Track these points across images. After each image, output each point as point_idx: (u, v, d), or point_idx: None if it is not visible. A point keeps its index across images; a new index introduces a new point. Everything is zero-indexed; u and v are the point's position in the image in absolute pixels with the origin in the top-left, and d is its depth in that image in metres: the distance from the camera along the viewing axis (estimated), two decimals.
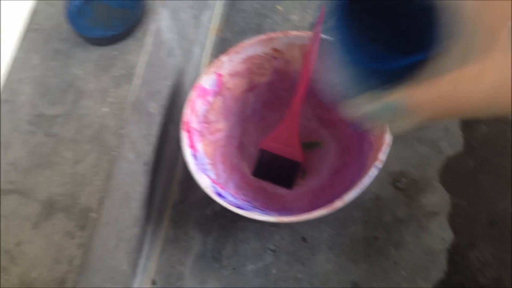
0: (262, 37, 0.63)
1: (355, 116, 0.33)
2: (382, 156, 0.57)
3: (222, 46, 0.77)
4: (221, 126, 0.68)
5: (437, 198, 0.65)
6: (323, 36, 0.63)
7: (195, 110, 0.64)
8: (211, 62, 0.76)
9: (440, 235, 0.64)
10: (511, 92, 0.26)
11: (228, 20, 0.78)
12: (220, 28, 0.78)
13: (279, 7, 0.78)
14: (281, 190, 0.68)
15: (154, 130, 0.64)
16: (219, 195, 0.62)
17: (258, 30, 0.77)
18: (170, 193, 0.72)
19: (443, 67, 0.29)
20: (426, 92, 0.29)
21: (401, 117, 0.31)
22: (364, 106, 0.32)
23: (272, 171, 0.68)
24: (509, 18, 0.26)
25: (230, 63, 0.64)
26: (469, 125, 0.69)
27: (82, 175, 0.55)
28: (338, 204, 0.56)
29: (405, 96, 0.30)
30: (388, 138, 0.58)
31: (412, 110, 0.30)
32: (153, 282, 0.68)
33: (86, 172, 0.55)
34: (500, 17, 0.27)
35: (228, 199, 0.63)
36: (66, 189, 0.55)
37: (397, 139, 0.69)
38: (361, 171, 0.61)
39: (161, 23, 0.60)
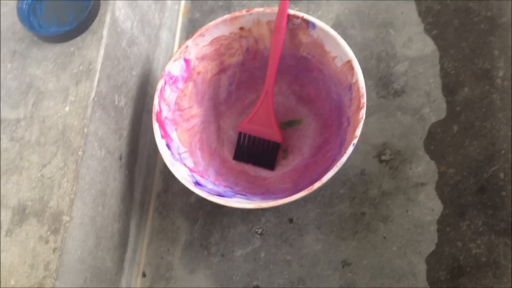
0: (226, 17, 0.60)
1: None
2: (358, 132, 0.54)
3: (191, 28, 0.74)
4: (195, 111, 0.66)
5: (423, 168, 0.62)
6: (290, 11, 0.60)
7: (165, 98, 0.61)
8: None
9: (429, 206, 0.61)
10: None
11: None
12: (188, 9, 0.75)
13: None
14: (263, 172, 0.66)
15: (125, 123, 0.62)
16: (198, 184, 0.60)
17: (227, 7, 0.73)
18: (153, 183, 0.70)
19: None
20: None
21: None
22: None
23: (252, 153, 0.66)
24: None
25: (196, 46, 0.61)
26: (451, 88, 0.65)
27: (50, 178, 0.54)
28: (317, 185, 0.54)
29: None
30: (363, 114, 0.55)
31: None
32: (143, 274, 0.67)
33: (53, 175, 0.54)
34: None
35: (208, 187, 0.61)
36: (36, 194, 0.54)
37: (378, 110, 0.66)
38: (342, 147, 0.58)
39: (117, 12, 0.58)
